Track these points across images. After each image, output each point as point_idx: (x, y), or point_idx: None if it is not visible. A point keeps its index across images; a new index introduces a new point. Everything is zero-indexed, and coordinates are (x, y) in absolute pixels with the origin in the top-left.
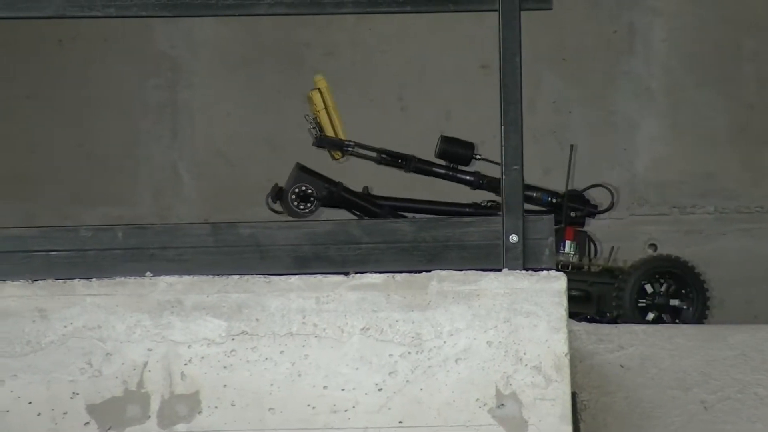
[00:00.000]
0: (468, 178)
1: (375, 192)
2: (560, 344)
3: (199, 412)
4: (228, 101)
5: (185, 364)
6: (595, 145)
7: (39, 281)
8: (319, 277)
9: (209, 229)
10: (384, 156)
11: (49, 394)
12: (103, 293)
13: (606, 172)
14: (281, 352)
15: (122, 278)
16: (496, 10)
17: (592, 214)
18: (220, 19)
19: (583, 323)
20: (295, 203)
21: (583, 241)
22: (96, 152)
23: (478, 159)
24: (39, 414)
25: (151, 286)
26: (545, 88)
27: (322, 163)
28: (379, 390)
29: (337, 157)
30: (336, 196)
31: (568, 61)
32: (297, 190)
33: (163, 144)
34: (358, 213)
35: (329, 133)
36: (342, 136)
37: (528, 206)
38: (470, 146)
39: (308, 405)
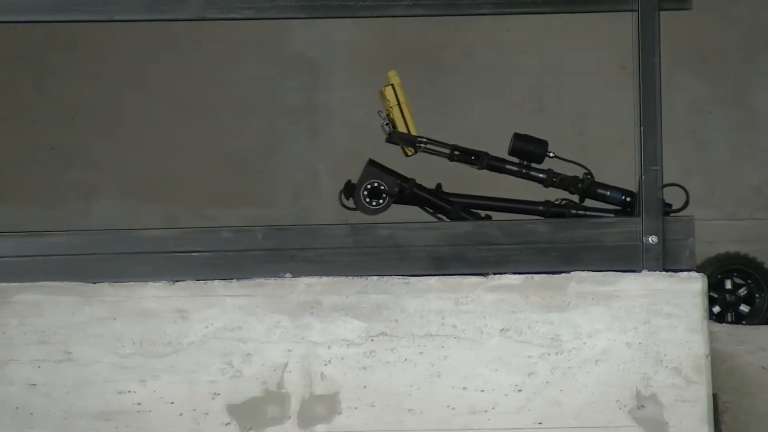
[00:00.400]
0: (541, 176)
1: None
2: (700, 345)
3: (339, 413)
4: (366, 102)
5: (325, 365)
6: (734, 145)
7: (180, 282)
8: (457, 278)
9: (348, 230)
10: (456, 153)
11: (191, 395)
12: (243, 294)
13: (746, 172)
14: (420, 353)
15: (262, 279)
16: (634, 10)
17: (666, 213)
18: (358, 21)
19: (724, 324)
20: (367, 199)
21: None
22: (235, 154)
23: (551, 157)
24: (181, 414)
25: (291, 287)
26: (684, 88)
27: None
28: (519, 391)
29: (409, 153)
30: (408, 192)
31: (707, 61)
32: (369, 186)
33: (301, 145)
34: (430, 210)
35: (401, 129)
36: (414, 132)
37: (602, 205)
38: (543, 144)
39: (447, 406)
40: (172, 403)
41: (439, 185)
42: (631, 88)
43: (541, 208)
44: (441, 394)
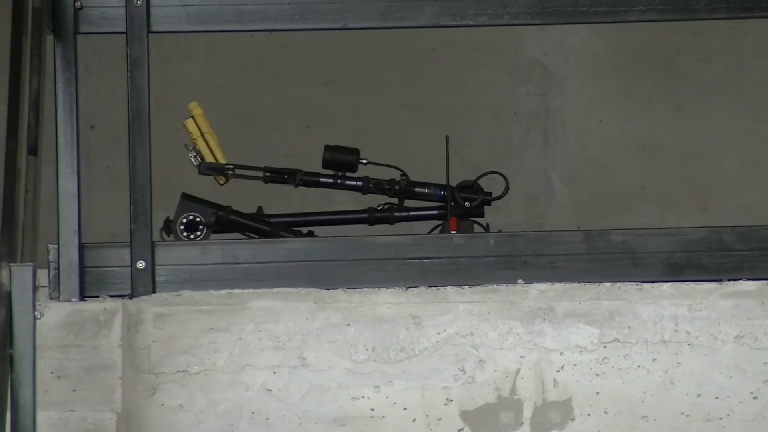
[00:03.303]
0: (357, 184)
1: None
2: None
3: (572, 420)
4: (600, 108)
5: (557, 372)
6: None
7: (413, 288)
8: (691, 284)
9: (581, 237)
10: (268, 174)
11: (424, 400)
12: (476, 300)
13: None
14: (653, 359)
15: (494, 285)
16: None
17: (488, 202)
18: (592, 26)
19: None
20: (185, 233)
21: (469, 230)
22: (469, 159)
23: (365, 164)
24: (414, 420)
25: (523, 294)
26: None
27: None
28: (754, 398)
29: (221, 182)
30: (225, 220)
31: None
32: (184, 220)
33: (535, 151)
34: (251, 234)
35: (209, 159)
36: (222, 160)
37: (421, 203)
38: (355, 152)
39: (681, 413)
40: (406, 408)
41: (259, 208)
42: None
43: (364, 215)
44: (675, 401)
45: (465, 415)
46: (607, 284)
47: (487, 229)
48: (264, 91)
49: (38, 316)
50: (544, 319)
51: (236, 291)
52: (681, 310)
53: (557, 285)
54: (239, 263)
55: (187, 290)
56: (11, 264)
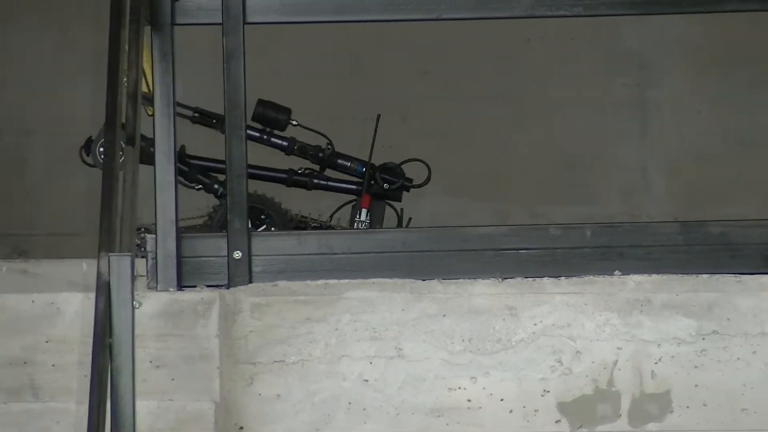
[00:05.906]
0: (282, 143)
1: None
2: None
3: (671, 412)
4: (699, 99)
5: (655, 363)
6: None
7: (508, 279)
8: None
9: (679, 228)
10: (196, 115)
11: (520, 392)
12: (572, 291)
13: None
14: (753, 352)
15: (591, 276)
16: None
17: (407, 188)
18: (690, 16)
19: None
20: (103, 156)
21: (380, 211)
22: (565, 151)
23: (294, 125)
24: (511, 411)
25: (620, 285)
26: None
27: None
28: None
29: (150, 112)
30: (144, 151)
31: None
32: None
33: (632, 143)
34: None
35: (143, 89)
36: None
37: (342, 176)
38: (286, 111)
39: None
40: (502, 399)
41: (182, 147)
42: None
43: (283, 176)
44: None
45: (562, 407)
46: (706, 276)
47: (400, 214)
48: (360, 82)
49: (137, 306)
50: (642, 311)
51: (332, 281)
52: None
53: (654, 276)
54: (335, 253)
55: (283, 280)
56: (110, 254)
